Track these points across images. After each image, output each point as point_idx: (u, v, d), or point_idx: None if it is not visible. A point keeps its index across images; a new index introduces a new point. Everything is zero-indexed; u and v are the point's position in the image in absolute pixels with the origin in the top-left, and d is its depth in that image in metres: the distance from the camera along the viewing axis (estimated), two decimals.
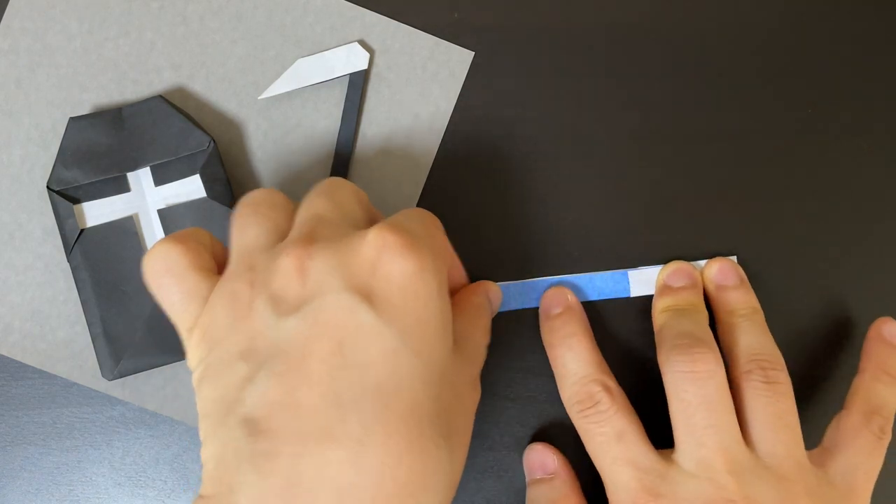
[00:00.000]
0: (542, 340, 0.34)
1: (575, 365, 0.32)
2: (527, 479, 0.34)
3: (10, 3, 0.36)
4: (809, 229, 0.36)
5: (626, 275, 0.34)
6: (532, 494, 0.33)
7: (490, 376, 0.35)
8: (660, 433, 0.31)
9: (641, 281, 0.35)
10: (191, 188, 0.34)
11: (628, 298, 0.35)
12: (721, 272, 0.34)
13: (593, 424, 0.30)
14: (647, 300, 0.35)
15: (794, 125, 0.36)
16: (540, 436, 0.35)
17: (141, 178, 0.34)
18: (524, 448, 0.35)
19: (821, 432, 0.33)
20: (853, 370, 0.33)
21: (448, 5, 0.36)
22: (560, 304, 0.33)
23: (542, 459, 0.33)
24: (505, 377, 0.35)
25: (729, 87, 0.36)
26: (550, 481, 0.32)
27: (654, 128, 0.36)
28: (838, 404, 0.33)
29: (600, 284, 0.34)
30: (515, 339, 0.35)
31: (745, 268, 0.35)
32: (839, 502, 0.29)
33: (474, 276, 0.35)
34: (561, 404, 0.33)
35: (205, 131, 0.34)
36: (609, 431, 0.30)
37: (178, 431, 0.35)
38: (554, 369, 0.33)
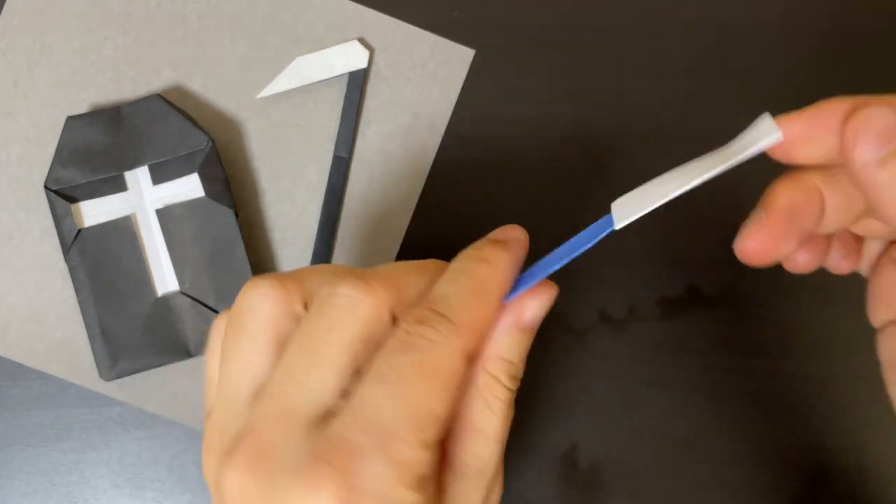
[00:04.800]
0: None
1: None
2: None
3: (7, 2, 0.35)
4: None
5: (610, 216, 0.26)
6: None
7: None
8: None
9: (626, 206, 0.26)
10: (189, 187, 0.34)
11: (615, 234, 0.29)
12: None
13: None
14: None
15: None
16: (542, 436, 0.35)
17: (139, 177, 0.34)
18: (525, 450, 0.34)
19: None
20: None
21: (448, 4, 0.36)
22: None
23: None
24: None
25: (729, 87, 0.36)
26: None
27: (654, 126, 0.36)
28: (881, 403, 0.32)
29: (580, 237, 0.27)
30: None
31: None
32: None
33: None
34: (561, 406, 0.33)
35: (203, 130, 0.34)
36: None
37: (177, 432, 0.35)
38: None
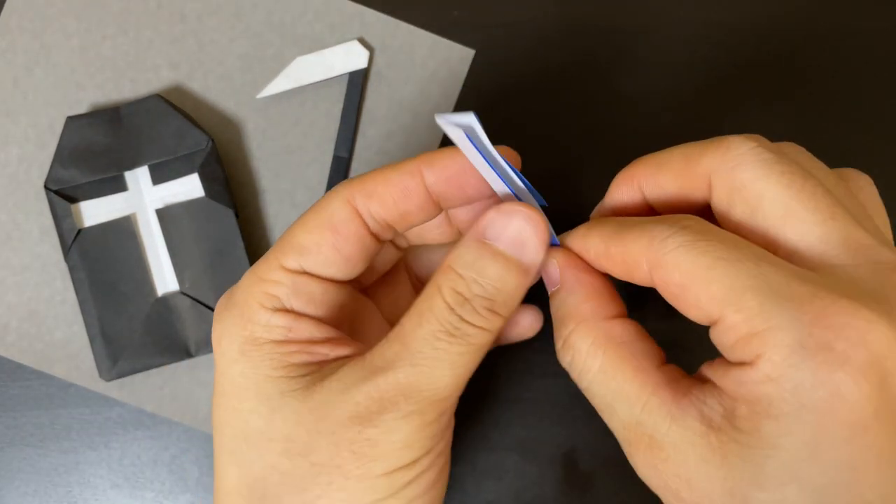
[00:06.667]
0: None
1: None
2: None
3: (7, 1, 0.35)
4: None
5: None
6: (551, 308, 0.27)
7: (489, 377, 0.35)
8: None
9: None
10: (189, 187, 0.34)
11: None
12: None
13: None
14: None
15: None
16: (542, 436, 0.35)
17: (139, 177, 0.34)
18: (525, 450, 0.34)
19: None
20: None
21: (448, 3, 0.36)
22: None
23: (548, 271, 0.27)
24: (504, 378, 0.35)
25: (729, 86, 0.36)
26: (556, 293, 0.26)
27: (656, 125, 0.36)
28: None
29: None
30: None
31: None
32: None
33: None
34: (561, 406, 0.33)
35: (203, 130, 0.34)
36: None
37: (177, 432, 0.35)
38: None
